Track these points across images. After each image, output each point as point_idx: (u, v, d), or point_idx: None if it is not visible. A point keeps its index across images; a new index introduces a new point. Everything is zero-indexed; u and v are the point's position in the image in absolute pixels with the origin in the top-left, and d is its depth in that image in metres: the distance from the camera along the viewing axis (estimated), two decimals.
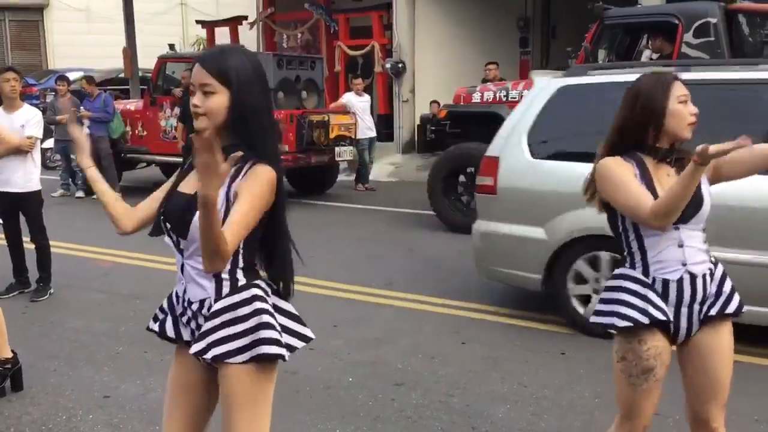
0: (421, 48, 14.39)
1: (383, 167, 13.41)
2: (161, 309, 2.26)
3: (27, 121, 5.59)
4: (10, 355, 4.09)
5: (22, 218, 5.93)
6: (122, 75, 16.82)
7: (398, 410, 3.89)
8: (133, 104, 11.84)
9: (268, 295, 2.16)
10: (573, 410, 3.89)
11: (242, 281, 2.12)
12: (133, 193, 10.98)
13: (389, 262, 7.15)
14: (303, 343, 2.20)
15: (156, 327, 2.25)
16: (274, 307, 2.16)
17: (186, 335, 2.19)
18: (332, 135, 10.51)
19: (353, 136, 10.96)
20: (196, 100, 2.05)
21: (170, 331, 2.20)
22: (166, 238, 2.17)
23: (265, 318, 2.09)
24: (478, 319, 5.42)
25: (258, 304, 2.10)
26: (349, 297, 5.94)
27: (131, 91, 15.44)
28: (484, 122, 8.68)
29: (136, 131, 11.13)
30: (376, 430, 3.68)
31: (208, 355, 2.07)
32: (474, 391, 4.13)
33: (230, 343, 2.06)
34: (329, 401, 4.00)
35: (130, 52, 15.24)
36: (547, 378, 4.29)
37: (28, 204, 5.82)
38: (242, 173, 2.06)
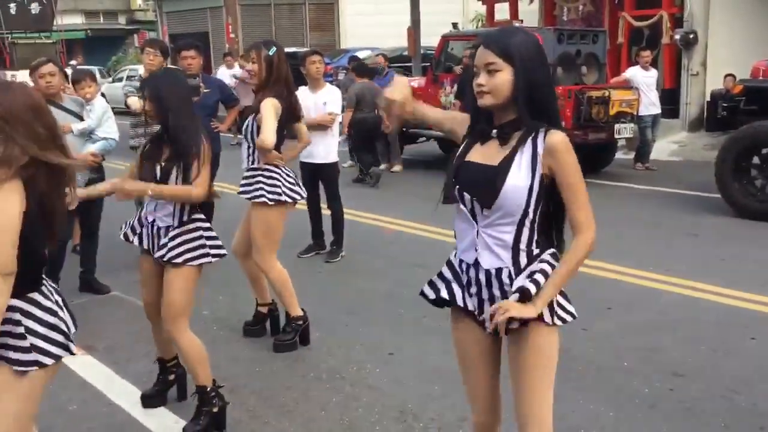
0: (716, 17, 13.23)
1: (666, 145, 12.66)
2: (442, 277, 2.35)
3: (329, 99, 6.18)
4: (300, 313, 4.58)
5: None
6: (406, 53, 17.68)
7: (677, 401, 3.76)
8: (416, 81, 12.42)
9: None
10: None
11: (537, 251, 2.22)
12: (415, 166, 11.63)
13: (669, 245, 6.81)
14: (570, 318, 2.28)
15: (444, 294, 2.32)
16: None
17: (470, 305, 2.29)
18: (612, 111, 10.13)
19: (635, 113, 10.49)
20: (480, 79, 2.18)
21: (459, 299, 2.30)
22: (461, 206, 2.27)
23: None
24: None
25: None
26: (624, 279, 5.77)
27: (413, 68, 16.20)
28: None
29: None
30: (651, 418, 3.59)
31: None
32: (764, 391, 3.84)
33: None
34: (601, 383, 3.98)
35: (414, 31, 15.97)
36: None
37: (327, 174, 6.45)
38: (537, 142, 2.17)
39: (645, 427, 3.51)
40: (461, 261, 2.31)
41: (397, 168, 11.39)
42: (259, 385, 4.07)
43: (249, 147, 4.51)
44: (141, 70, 6.54)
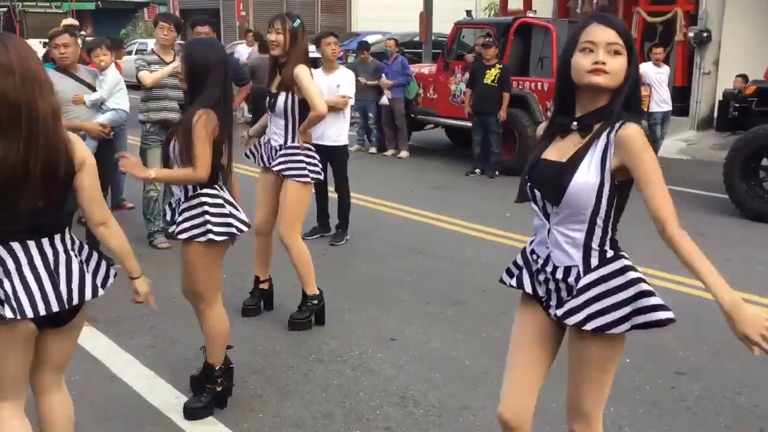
0: (730, 16, 13.15)
1: (674, 143, 12.61)
2: (516, 264, 2.37)
3: (343, 81, 6.15)
4: (317, 291, 4.59)
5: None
6: (416, 38, 17.57)
7: (678, 399, 3.76)
8: (426, 68, 12.34)
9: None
10: None
11: (610, 253, 2.17)
12: (422, 152, 11.56)
13: None
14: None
15: (513, 282, 2.36)
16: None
17: (541, 292, 2.28)
18: None
19: (646, 109, 10.44)
20: (603, 57, 2.09)
21: (527, 286, 2.30)
22: (532, 204, 2.27)
23: (644, 286, 2.14)
24: None
25: (632, 274, 2.14)
26: None
27: (423, 54, 16.10)
28: None
29: (428, 94, 11.61)
30: (652, 415, 3.59)
31: (588, 326, 2.14)
32: (766, 392, 3.84)
33: (610, 314, 2.13)
34: None
35: (426, 16, 15.86)
36: None
37: (337, 156, 6.43)
38: (610, 136, 2.10)
39: (646, 424, 3.51)
40: (533, 251, 2.30)
41: (404, 154, 11.36)
42: (261, 364, 4.07)
43: (288, 123, 4.46)
44: (151, 43, 6.50)
